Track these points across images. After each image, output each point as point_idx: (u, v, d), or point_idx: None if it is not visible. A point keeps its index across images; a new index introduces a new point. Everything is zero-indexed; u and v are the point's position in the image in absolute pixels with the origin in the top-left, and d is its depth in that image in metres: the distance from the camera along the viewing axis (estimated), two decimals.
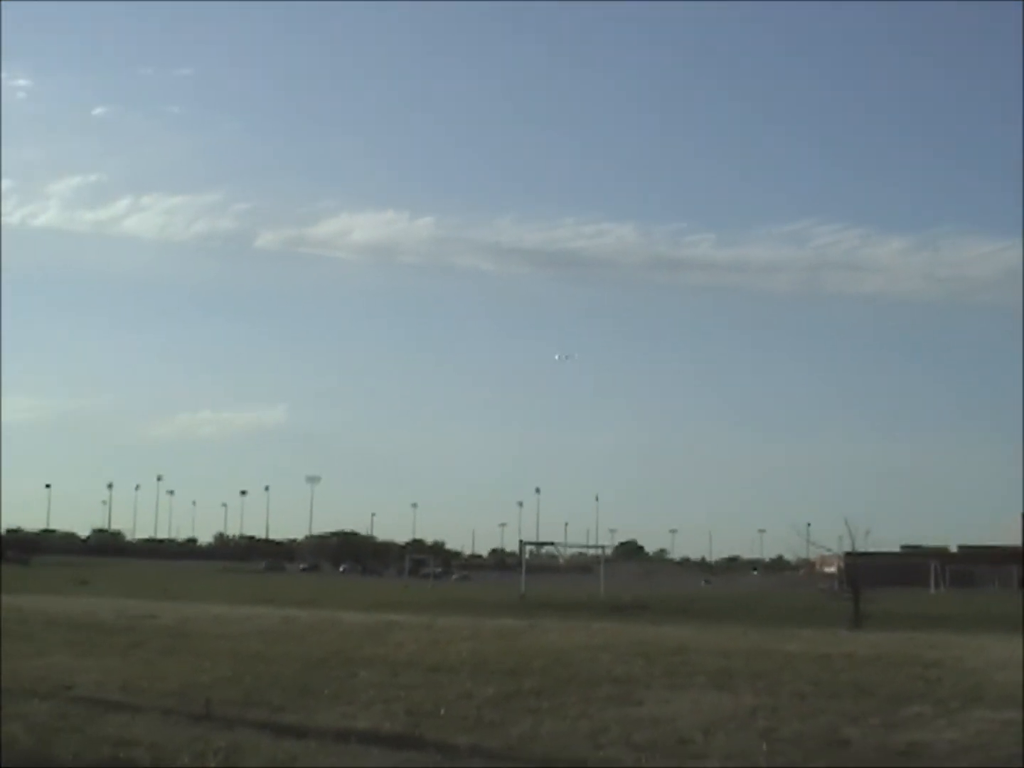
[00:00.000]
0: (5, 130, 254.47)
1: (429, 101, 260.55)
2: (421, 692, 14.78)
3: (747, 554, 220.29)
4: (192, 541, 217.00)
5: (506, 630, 27.81)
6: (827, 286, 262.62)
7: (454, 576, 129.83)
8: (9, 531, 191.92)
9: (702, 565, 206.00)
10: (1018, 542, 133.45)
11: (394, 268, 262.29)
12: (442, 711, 13.15)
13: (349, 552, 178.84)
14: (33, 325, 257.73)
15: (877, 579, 51.68)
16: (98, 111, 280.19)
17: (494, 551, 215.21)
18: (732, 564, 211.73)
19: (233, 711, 12.58)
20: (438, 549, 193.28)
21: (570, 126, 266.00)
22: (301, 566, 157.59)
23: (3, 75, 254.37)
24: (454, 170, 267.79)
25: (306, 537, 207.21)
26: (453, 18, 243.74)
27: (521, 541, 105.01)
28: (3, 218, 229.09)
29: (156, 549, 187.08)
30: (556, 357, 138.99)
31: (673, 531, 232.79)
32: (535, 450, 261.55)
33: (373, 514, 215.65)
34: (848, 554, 44.26)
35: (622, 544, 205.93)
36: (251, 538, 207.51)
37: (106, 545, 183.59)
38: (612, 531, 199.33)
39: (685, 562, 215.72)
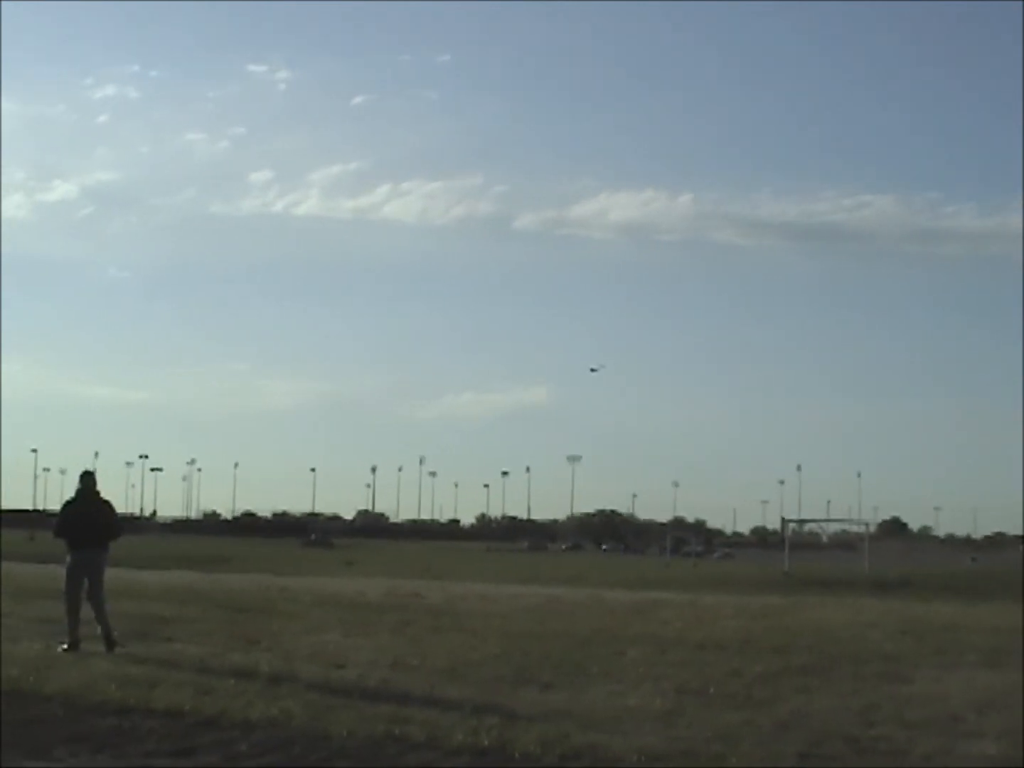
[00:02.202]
0: (267, 122, 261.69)
1: (680, 77, 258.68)
2: (689, 670, 14.73)
3: (1013, 531, 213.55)
4: (455, 522, 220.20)
5: (771, 608, 27.57)
6: None
7: (716, 554, 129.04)
8: (275, 514, 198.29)
9: (967, 542, 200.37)
10: None
11: (651, 246, 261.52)
12: (711, 689, 13.10)
13: (611, 531, 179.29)
14: (296, 312, 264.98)
15: None
16: (357, 100, 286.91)
17: (756, 529, 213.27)
18: (998, 540, 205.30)
19: (504, 689, 12.78)
20: (699, 527, 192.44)
21: (826, 97, 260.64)
22: (563, 546, 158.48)
23: (264, 68, 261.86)
24: (712, 147, 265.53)
25: (568, 517, 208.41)
26: None
27: (783, 518, 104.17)
28: (267, 207, 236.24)
29: (419, 530, 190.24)
30: (590, 369, 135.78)
31: (937, 508, 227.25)
32: (796, 426, 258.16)
33: (634, 493, 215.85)
34: None
35: (885, 521, 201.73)
36: (513, 518, 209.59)
37: (370, 526, 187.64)
38: (875, 508, 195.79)
39: (950, 539, 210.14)
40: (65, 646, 15.17)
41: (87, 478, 16.23)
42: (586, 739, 9.77)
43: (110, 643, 15.27)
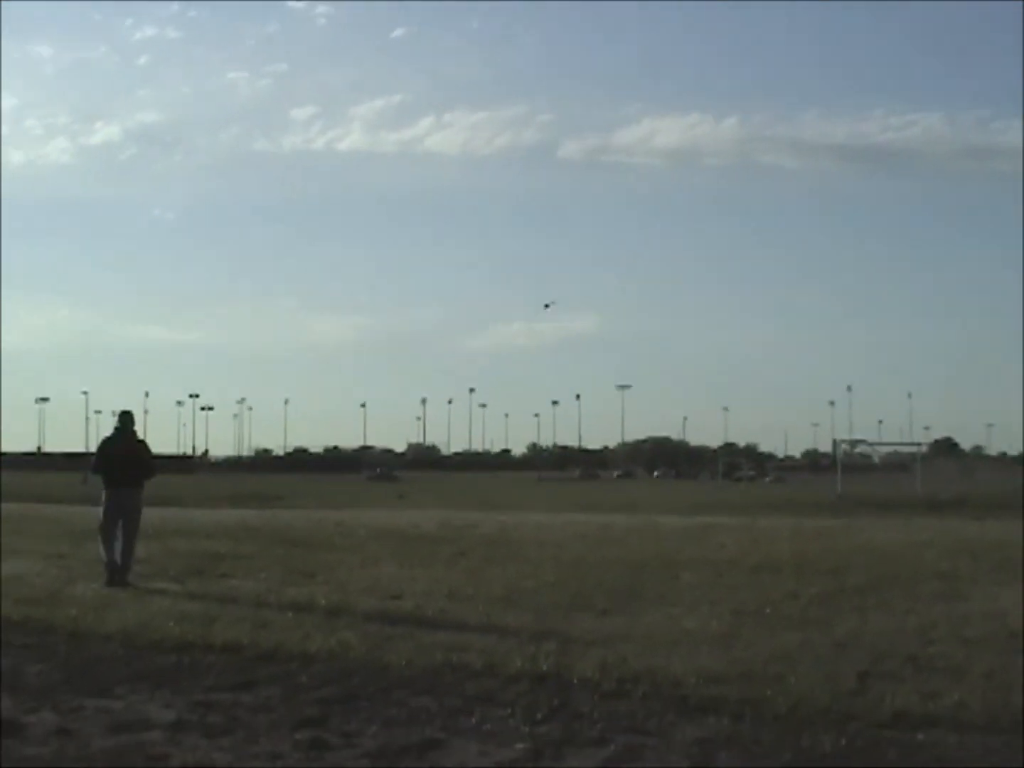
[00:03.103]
0: (307, 58, 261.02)
1: (727, 1, 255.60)
2: (745, 592, 14.74)
3: None
4: (506, 452, 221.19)
5: (825, 529, 27.55)
6: None
7: (768, 478, 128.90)
8: (327, 449, 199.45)
9: (1020, 460, 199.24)
10: None
11: (697, 171, 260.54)
12: (767, 610, 13.10)
13: (662, 457, 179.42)
14: (342, 247, 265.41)
15: None
16: (397, 32, 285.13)
17: (807, 452, 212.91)
18: None
19: (560, 615, 12.80)
20: (751, 451, 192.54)
21: (871, 14, 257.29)
22: (615, 473, 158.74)
23: (303, 3, 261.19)
24: (756, 69, 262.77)
25: (619, 444, 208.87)
26: None
27: (834, 440, 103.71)
28: (309, 144, 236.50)
29: (471, 462, 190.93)
30: (545, 306, 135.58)
31: (990, 425, 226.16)
32: (845, 347, 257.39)
33: (685, 418, 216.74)
34: None
35: (937, 441, 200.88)
36: (564, 447, 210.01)
37: (422, 459, 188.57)
38: (926, 428, 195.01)
39: (1003, 458, 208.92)
40: (105, 581, 15.42)
41: (125, 417, 16.49)
42: (644, 663, 9.78)
43: (123, 579, 15.44)
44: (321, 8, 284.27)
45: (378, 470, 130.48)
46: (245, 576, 16.54)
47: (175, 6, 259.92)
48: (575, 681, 9.14)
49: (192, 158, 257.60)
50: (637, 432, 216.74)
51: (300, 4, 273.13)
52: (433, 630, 11.69)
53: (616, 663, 9.75)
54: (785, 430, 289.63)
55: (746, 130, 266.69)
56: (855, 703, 8.46)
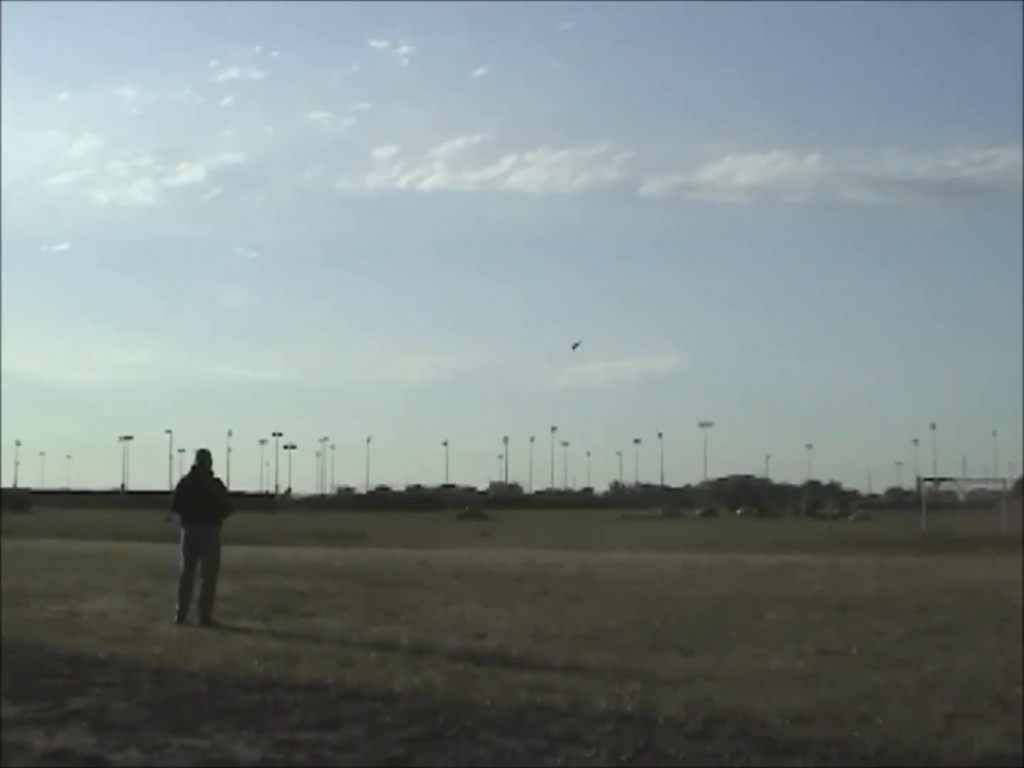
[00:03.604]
0: (390, 97, 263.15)
1: (803, 34, 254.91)
2: (830, 631, 14.62)
3: None
4: (588, 490, 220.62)
5: (910, 567, 27.31)
6: None
7: (852, 515, 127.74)
8: (409, 487, 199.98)
9: None
10: None
11: (780, 208, 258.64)
12: (853, 650, 12.98)
13: (745, 495, 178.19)
14: (424, 285, 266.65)
15: None
16: (479, 72, 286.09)
17: (891, 489, 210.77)
18: None
19: (645, 654, 12.74)
20: (834, 489, 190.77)
21: (952, 50, 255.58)
22: (697, 511, 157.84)
23: (386, 43, 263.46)
24: (838, 105, 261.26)
25: (701, 482, 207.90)
26: None
27: (919, 478, 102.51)
28: (392, 183, 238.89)
29: (553, 500, 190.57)
30: (573, 346, 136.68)
31: None
32: (929, 385, 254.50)
33: (768, 456, 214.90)
34: None
35: (1022, 478, 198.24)
36: (646, 485, 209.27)
37: (504, 497, 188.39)
38: (1011, 465, 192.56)
39: None
40: (175, 619, 15.60)
41: (202, 456, 16.67)
42: (729, 702, 9.72)
43: (206, 619, 15.58)
44: (403, 48, 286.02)
45: (466, 508, 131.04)
46: (328, 615, 16.60)
47: (258, 47, 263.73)
48: (660, 721, 9.09)
49: (275, 198, 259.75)
50: (720, 470, 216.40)
51: (382, 44, 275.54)
52: (518, 669, 11.68)
53: (701, 703, 9.70)
54: (869, 468, 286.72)
55: (828, 167, 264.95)
56: (943, 744, 8.36)
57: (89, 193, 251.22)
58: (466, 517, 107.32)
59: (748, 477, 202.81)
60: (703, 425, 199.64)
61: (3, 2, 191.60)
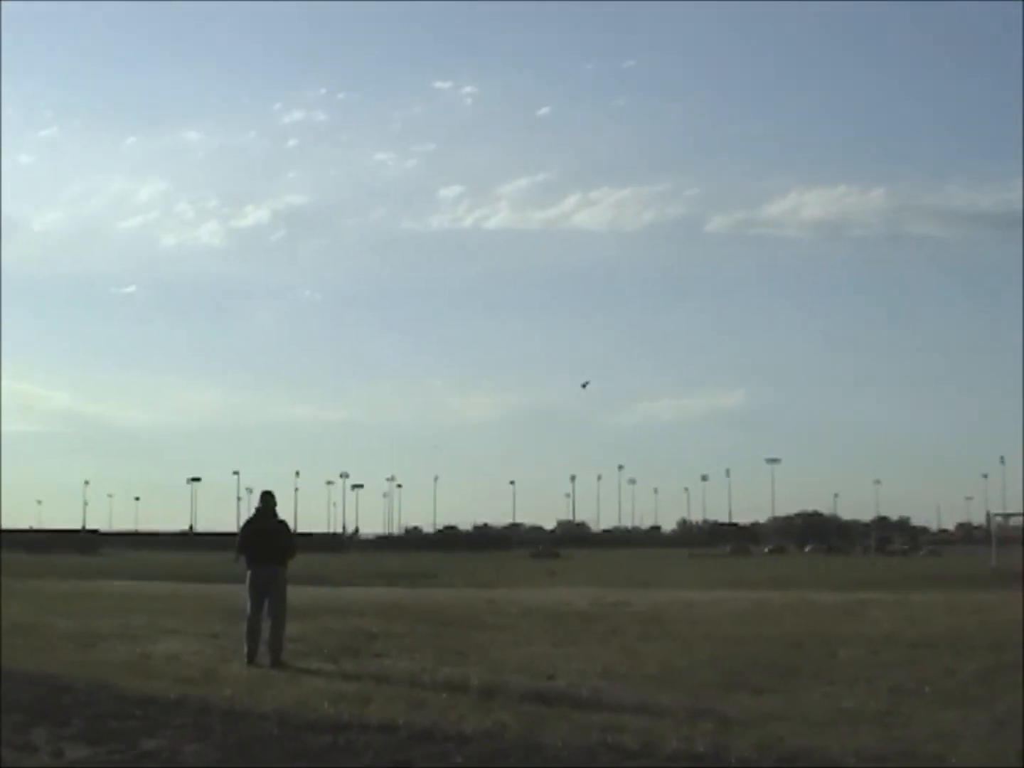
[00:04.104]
0: (454, 137, 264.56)
1: (866, 68, 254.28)
2: (903, 669, 14.51)
3: None
4: (655, 528, 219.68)
5: (981, 604, 26.99)
6: None
7: (921, 551, 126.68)
8: (476, 527, 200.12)
9: None
10: None
11: (845, 243, 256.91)
12: (926, 688, 12.87)
13: (813, 532, 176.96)
14: (489, 325, 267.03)
15: None
16: (543, 111, 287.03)
17: (961, 524, 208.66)
18: None
19: (716, 694, 12.69)
20: (903, 525, 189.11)
21: (1015, 80, 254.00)
22: (766, 548, 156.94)
23: (450, 84, 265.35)
24: (902, 139, 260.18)
25: (769, 519, 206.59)
26: None
27: (988, 512, 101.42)
28: (457, 223, 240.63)
29: (620, 538, 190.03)
30: (583, 385, 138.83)
31: None
32: (997, 419, 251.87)
33: (836, 493, 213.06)
34: None
35: None
36: (714, 522, 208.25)
37: (571, 536, 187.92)
38: None
39: None
40: (245, 660, 15.68)
41: (267, 497, 16.73)
42: (802, 742, 9.67)
43: (276, 660, 15.63)
44: (467, 88, 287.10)
45: (540, 547, 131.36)
46: (398, 655, 16.62)
47: (323, 89, 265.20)
48: (733, 761, 9.06)
49: (341, 239, 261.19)
50: (787, 507, 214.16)
51: (446, 84, 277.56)
52: (588, 710, 11.66)
53: (774, 743, 9.65)
54: (938, 503, 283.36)
55: (893, 200, 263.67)
56: None
57: (156, 236, 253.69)
58: (539, 556, 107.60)
59: (816, 514, 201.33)
60: (770, 461, 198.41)
61: (69, 51, 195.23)
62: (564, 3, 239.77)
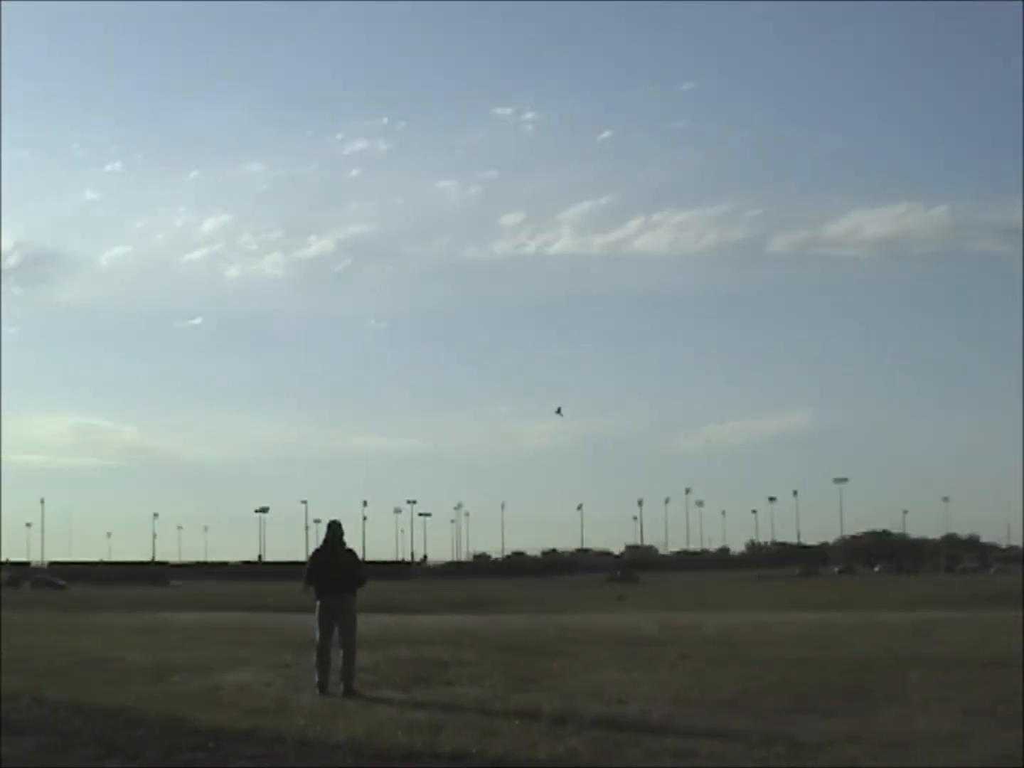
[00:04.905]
0: (516, 164, 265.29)
1: (925, 86, 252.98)
2: (976, 690, 14.38)
3: None
4: (724, 551, 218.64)
5: None
6: None
7: (992, 569, 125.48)
8: (544, 552, 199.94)
9: None
10: None
11: (908, 261, 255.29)
12: (999, 708, 12.76)
13: (882, 551, 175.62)
14: (554, 351, 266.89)
15: None
16: (604, 135, 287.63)
17: None
18: None
19: (787, 718, 12.65)
20: (973, 543, 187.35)
21: None
22: (835, 569, 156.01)
23: (510, 110, 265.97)
24: (963, 155, 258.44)
25: (838, 539, 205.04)
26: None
27: None
28: (519, 249, 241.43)
29: (689, 561, 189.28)
30: (557, 410, 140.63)
31: None
32: None
33: (905, 511, 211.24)
34: None
35: None
36: (783, 544, 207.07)
37: (640, 560, 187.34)
38: None
39: None
40: (317, 690, 15.70)
41: (334, 527, 16.75)
42: (875, 764, 9.65)
43: (349, 690, 15.65)
44: (528, 114, 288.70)
45: (617, 572, 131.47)
46: (469, 683, 16.62)
47: (384, 119, 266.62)
48: None
49: (404, 268, 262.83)
50: (856, 526, 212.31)
51: (507, 111, 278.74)
52: (660, 735, 11.63)
53: (847, 766, 9.63)
54: (1007, 520, 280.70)
55: (955, 217, 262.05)
56: None
57: (221, 268, 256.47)
58: (615, 581, 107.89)
59: (884, 533, 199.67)
60: (838, 481, 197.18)
61: (134, 86, 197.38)
62: (623, 28, 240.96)
